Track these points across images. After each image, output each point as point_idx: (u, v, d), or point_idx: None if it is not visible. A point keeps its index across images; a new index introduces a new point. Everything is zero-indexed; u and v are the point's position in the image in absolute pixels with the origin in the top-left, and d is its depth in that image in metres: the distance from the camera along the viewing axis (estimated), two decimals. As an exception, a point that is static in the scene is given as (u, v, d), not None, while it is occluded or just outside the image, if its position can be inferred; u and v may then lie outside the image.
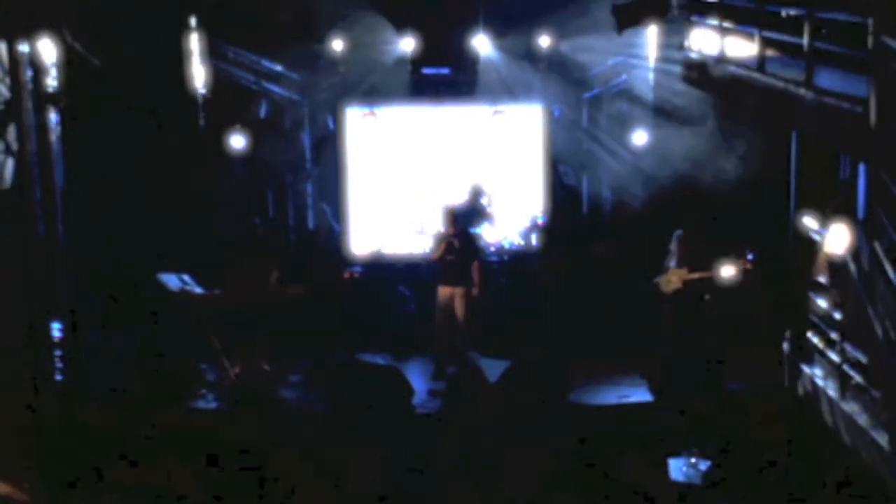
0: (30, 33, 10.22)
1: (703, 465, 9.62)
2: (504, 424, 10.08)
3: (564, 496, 9.43)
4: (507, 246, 13.85)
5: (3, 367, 9.87)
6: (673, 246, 12.12)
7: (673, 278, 11.97)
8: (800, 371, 9.92)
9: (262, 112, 13.81)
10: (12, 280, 10.16)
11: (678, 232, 12.21)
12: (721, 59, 10.48)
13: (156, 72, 12.08)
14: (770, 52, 9.35)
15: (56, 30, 10.62)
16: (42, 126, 10.46)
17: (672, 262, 12.09)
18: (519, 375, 11.10)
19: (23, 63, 10.17)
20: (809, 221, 9.48)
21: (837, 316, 9.20)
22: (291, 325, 12.04)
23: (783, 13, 9.14)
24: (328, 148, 14.34)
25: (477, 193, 13.27)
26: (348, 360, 11.82)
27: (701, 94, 12.27)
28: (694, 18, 11.44)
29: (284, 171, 14.23)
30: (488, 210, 13.39)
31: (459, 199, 13.00)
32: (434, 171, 14.12)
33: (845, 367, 8.90)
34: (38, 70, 10.40)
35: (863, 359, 8.52)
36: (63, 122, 10.83)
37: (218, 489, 9.85)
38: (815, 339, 9.74)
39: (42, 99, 10.47)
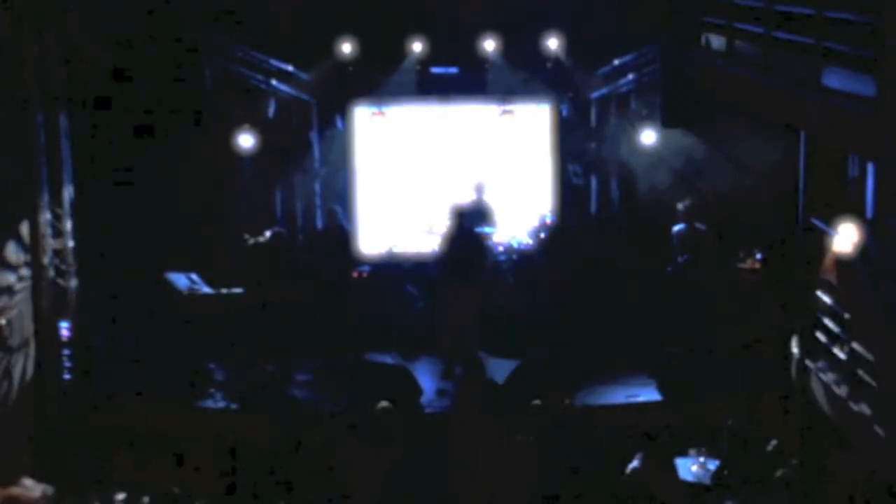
0: (37, 34, 10.22)
1: (712, 465, 9.61)
2: (512, 424, 10.08)
3: (572, 496, 9.43)
4: (515, 245, 13.83)
5: (11, 367, 9.88)
6: (677, 241, 12.12)
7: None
8: (808, 370, 9.89)
9: (271, 111, 13.79)
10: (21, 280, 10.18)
11: (681, 226, 12.22)
12: (728, 59, 10.45)
13: (164, 71, 12.07)
14: (777, 52, 9.31)
15: (63, 30, 10.64)
16: (50, 126, 10.47)
17: (682, 258, 12.09)
18: (527, 375, 11.10)
19: (31, 62, 10.18)
20: (818, 221, 9.45)
21: (846, 315, 9.17)
22: (299, 324, 12.04)
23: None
24: (336, 147, 14.35)
25: (480, 190, 13.24)
26: (356, 360, 11.83)
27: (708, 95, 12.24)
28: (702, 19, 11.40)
29: (292, 170, 14.23)
30: (493, 212, 13.31)
31: (466, 197, 12.99)
32: (442, 170, 14.12)
33: (854, 367, 8.86)
34: (46, 69, 10.41)
35: (871, 358, 8.50)
36: (71, 121, 10.84)
37: (226, 489, 9.89)
38: (824, 339, 9.71)
39: (50, 98, 10.48)
